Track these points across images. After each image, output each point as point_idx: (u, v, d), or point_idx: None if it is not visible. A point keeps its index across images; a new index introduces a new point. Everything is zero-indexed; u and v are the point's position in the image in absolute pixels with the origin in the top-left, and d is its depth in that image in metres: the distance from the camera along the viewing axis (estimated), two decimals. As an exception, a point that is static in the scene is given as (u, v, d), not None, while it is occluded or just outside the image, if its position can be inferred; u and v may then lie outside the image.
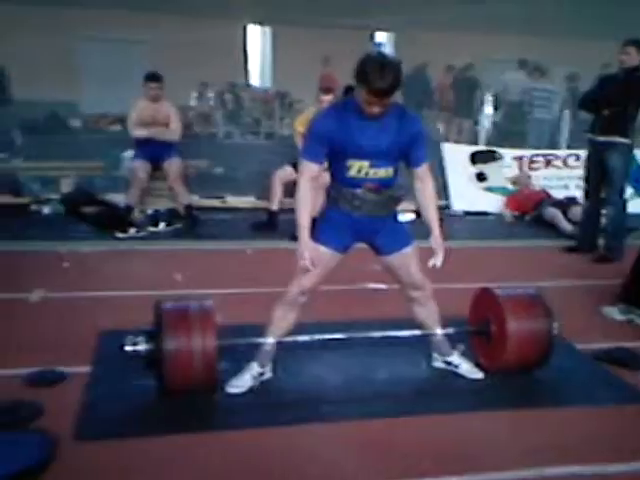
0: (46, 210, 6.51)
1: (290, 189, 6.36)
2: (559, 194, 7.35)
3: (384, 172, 3.01)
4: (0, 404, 2.86)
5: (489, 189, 7.56)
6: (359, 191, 3.01)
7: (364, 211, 3.05)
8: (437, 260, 3.10)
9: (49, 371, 3.21)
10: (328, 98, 6.15)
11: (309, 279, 3.05)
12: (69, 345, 3.53)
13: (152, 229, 6.08)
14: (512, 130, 10.67)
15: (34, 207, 6.58)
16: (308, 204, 2.99)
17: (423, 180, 3.12)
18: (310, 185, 2.99)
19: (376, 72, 2.76)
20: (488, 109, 9.23)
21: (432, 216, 3.14)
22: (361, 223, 3.09)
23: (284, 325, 3.13)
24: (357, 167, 2.97)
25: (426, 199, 3.15)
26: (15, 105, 12.39)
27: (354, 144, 2.92)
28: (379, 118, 2.90)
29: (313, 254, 2.98)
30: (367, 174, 2.99)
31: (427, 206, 3.15)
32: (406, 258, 3.18)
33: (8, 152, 9.40)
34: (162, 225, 6.16)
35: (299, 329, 3.20)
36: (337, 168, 3.01)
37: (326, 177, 3.12)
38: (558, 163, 7.73)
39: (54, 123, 13.59)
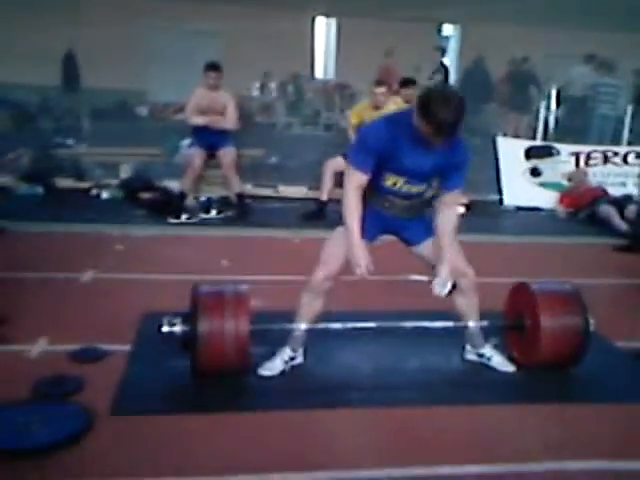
0: (105, 194, 6.77)
1: (340, 180, 6.45)
2: (616, 192, 7.19)
3: (417, 188, 3.07)
4: (46, 377, 3.02)
5: (543, 184, 7.45)
6: (391, 197, 3.09)
7: (394, 212, 3.14)
8: (442, 289, 3.08)
9: (92, 348, 3.37)
10: (381, 90, 6.19)
11: (332, 266, 3.12)
12: (113, 324, 3.68)
13: (204, 216, 6.25)
14: (574, 126, 10.44)
15: (94, 191, 6.84)
16: (357, 212, 3.02)
17: (449, 206, 3.12)
18: (358, 193, 3.01)
19: (444, 118, 2.72)
20: (549, 104, 9.02)
21: (446, 243, 3.11)
22: (390, 219, 3.17)
23: (311, 311, 3.20)
24: (393, 181, 3.03)
25: (446, 225, 3.11)
26: (86, 93, 12.82)
27: (397, 162, 2.96)
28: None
29: (367, 260, 3.02)
30: (401, 188, 3.05)
31: (444, 232, 3.11)
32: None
33: (75, 138, 9.76)
34: (213, 212, 6.31)
35: (334, 317, 3.27)
36: (374, 175, 3.02)
37: None
38: (617, 160, 7.55)
39: (122, 111, 13.99)
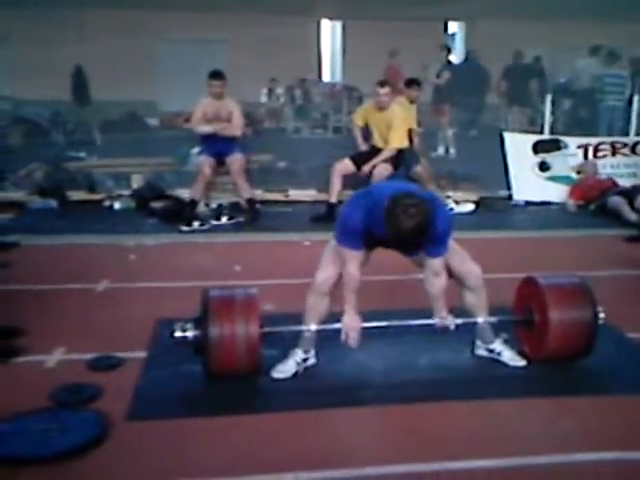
0: (117, 205, 6.86)
1: (348, 182, 6.51)
2: (627, 182, 7.18)
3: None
4: (64, 386, 3.09)
5: (552, 178, 7.45)
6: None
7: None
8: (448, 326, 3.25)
9: (108, 356, 3.43)
10: (384, 91, 6.24)
11: (330, 271, 3.21)
12: (128, 332, 3.75)
13: (215, 222, 6.32)
14: (581, 118, 10.43)
15: (107, 202, 6.93)
16: (355, 286, 3.15)
17: (438, 274, 3.16)
18: (358, 267, 3.13)
19: (403, 236, 2.80)
20: (555, 97, 9.00)
21: (439, 306, 3.24)
22: None
23: (318, 312, 3.25)
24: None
25: (436, 292, 3.21)
26: (96, 106, 12.97)
27: (378, 245, 3.16)
28: None
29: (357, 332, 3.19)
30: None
31: (435, 298, 3.23)
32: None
33: (87, 151, 9.87)
34: (224, 218, 6.39)
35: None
36: None
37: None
38: (626, 151, 7.53)
39: (132, 122, 14.10)
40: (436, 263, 3.13)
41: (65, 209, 6.74)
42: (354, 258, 3.11)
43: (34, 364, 3.38)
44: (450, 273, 3.28)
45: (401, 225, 2.74)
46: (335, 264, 3.21)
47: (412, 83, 7.05)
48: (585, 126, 10.02)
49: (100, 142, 11.59)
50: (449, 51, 11.94)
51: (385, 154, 6.26)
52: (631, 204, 6.48)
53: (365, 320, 3.25)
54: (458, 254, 3.30)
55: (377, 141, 6.44)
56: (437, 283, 3.18)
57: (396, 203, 2.77)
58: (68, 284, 4.57)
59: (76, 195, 7.03)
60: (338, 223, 3.19)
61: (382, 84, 6.30)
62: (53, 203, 6.84)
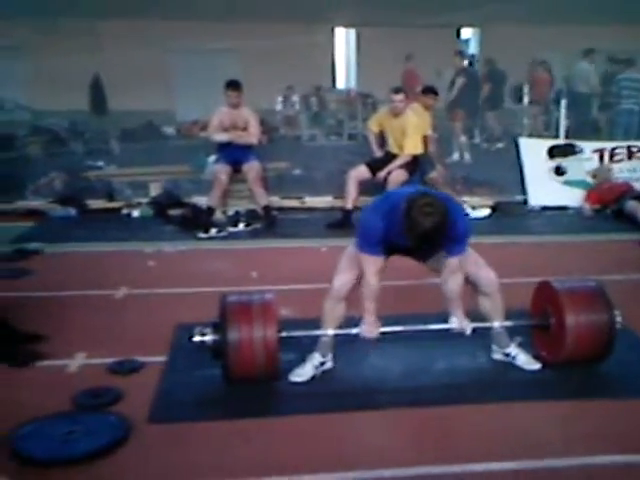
0: (135, 213, 6.94)
1: (364, 188, 6.55)
2: (643, 187, 7.18)
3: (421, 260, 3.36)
4: (85, 390, 3.15)
5: (568, 183, 7.43)
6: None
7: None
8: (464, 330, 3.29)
9: (129, 361, 3.49)
10: (399, 97, 6.28)
11: (347, 276, 3.26)
12: (148, 337, 3.82)
13: (232, 229, 6.38)
14: (594, 122, 10.41)
15: (125, 211, 7.01)
16: (375, 294, 3.19)
17: (454, 273, 3.20)
18: (378, 275, 3.16)
19: (418, 235, 2.85)
20: (569, 102, 8.98)
21: (455, 306, 3.28)
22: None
23: (335, 316, 3.29)
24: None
25: (452, 291, 3.25)
26: (114, 115, 13.10)
27: (397, 249, 3.19)
28: None
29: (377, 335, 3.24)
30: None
31: (451, 297, 3.27)
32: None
33: (105, 160, 9.99)
34: (241, 225, 6.45)
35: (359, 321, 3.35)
36: None
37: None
38: (642, 154, 7.52)
39: (149, 131, 14.21)
40: (454, 262, 3.17)
41: (84, 217, 6.83)
42: (374, 264, 3.14)
43: (56, 369, 3.45)
44: (466, 279, 3.30)
45: (419, 224, 2.79)
46: (352, 270, 3.25)
47: (429, 91, 7.07)
48: (599, 130, 9.99)
49: (118, 151, 11.70)
50: (463, 57, 11.96)
51: (400, 160, 6.30)
52: (648, 208, 6.47)
53: (384, 324, 3.28)
54: (473, 260, 3.33)
55: (392, 147, 6.47)
56: (455, 282, 3.22)
57: (413, 203, 2.83)
58: (88, 290, 4.64)
59: (95, 203, 7.12)
60: (358, 229, 3.23)
61: (397, 91, 6.33)
62: (72, 211, 6.94)
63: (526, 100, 13.17)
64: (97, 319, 4.13)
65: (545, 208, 7.26)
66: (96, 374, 3.37)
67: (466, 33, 18.04)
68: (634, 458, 2.69)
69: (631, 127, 10.19)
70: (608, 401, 3.17)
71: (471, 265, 3.30)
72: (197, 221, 6.36)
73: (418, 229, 2.81)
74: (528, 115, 13.25)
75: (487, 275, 3.34)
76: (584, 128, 9.67)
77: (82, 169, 8.59)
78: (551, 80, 13.16)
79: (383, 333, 3.26)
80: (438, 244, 2.98)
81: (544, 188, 7.40)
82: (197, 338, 3.14)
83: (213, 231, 6.24)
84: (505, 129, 12.80)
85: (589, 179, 7.41)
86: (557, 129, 8.29)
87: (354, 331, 3.25)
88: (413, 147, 6.27)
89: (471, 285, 3.36)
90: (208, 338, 3.13)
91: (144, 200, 7.14)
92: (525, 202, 7.32)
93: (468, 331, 3.27)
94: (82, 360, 3.53)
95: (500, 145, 12.05)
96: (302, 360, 3.39)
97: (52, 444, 2.67)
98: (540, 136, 9.10)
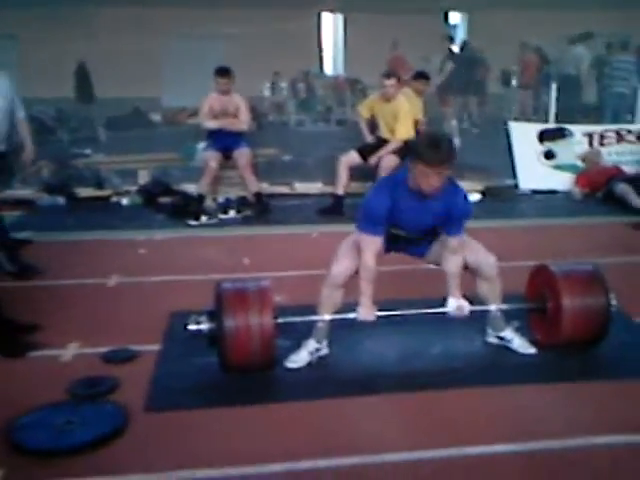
0: (125, 201, 6.88)
1: (355, 173, 6.53)
2: (632, 170, 7.19)
3: (420, 235, 3.34)
4: (81, 379, 3.13)
5: (558, 167, 7.45)
6: (397, 238, 3.32)
7: (402, 243, 3.40)
8: (460, 313, 3.29)
9: (123, 350, 3.47)
10: (391, 82, 6.25)
11: (346, 263, 3.24)
12: (142, 325, 3.80)
13: (222, 216, 6.34)
14: (585, 105, 10.44)
15: (114, 199, 6.95)
16: (372, 276, 3.19)
17: (455, 252, 3.24)
18: (375, 257, 3.17)
19: (431, 144, 2.93)
20: (560, 85, 8.97)
21: (453, 284, 3.28)
22: (399, 244, 3.41)
23: (332, 303, 3.28)
24: (395, 232, 3.26)
25: (452, 269, 3.27)
26: (100, 103, 12.98)
27: (397, 221, 3.18)
28: (427, 198, 3.06)
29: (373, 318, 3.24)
30: (404, 237, 3.31)
31: (451, 276, 3.28)
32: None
33: (92, 148, 9.90)
34: (232, 212, 6.41)
35: (357, 307, 3.34)
36: None
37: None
38: (631, 138, 7.52)
39: (136, 118, 14.10)
40: (454, 242, 3.21)
41: (73, 206, 6.77)
42: (372, 244, 3.15)
43: (50, 358, 3.42)
44: (465, 266, 3.31)
45: (429, 136, 2.96)
46: (351, 258, 3.24)
47: (420, 77, 7.04)
48: (589, 113, 10.01)
49: (105, 139, 11.61)
50: (452, 41, 11.94)
51: (392, 145, 6.27)
52: (638, 191, 6.49)
53: (379, 309, 3.27)
54: (472, 246, 3.34)
55: (383, 132, 6.45)
56: (454, 261, 3.24)
57: (420, 135, 3.00)
58: (80, 279, 4.61)
59: (84, 192, 7.05)
60: (361, 208, 3.23)
61: (388, 75, 6.30)
62: (61, 200, 6.87)
63: (514, 84, 13.26)
64: (90, 308, 4.10)
65: (535, 192, 7.28)
66: (90, 363, 3.35)
67: (454, 18, 17.99)
68: (634, 438, 2.71)
69: (620, 110, 10.23)
70: (605, 383, 3.19)
71: (470, 251, 3.31)
72: (187, 209, 6.31)
73: (429, 138, 3.00)
74: (516, 99, 13.33)
75: (487, 259, 3.34)
76: (574, 112, 9.67)
77: (69, 157, 8.50)
78: (540, 64, 13.20)
79: (380, 317, 3.25)
80: (450, 156, 2.96)
81: (534, 172, 7.42)
82: (192, 326, 3.12)
83: (204, 218, 6.20)
84: (493, 113, 12.84)
85: (579, 163, 7.42)
86: (547, 113, 8.27)
87: (351, 315, 3.25)
88: (405, 132, 6.24)
89: (470, 270, 3.36)
90: (204, 326, 3.12)
91: (133, 188, 7.08)
92: (515, 186, 7.34)
93: (466, 311, 3.26)
94: (76, 350, 3.51)
95: (476, 131, 12.06)
96: (297, 347, 3.38)
97: (50, 434, 2.65)
98: (529, 120, 9.07)
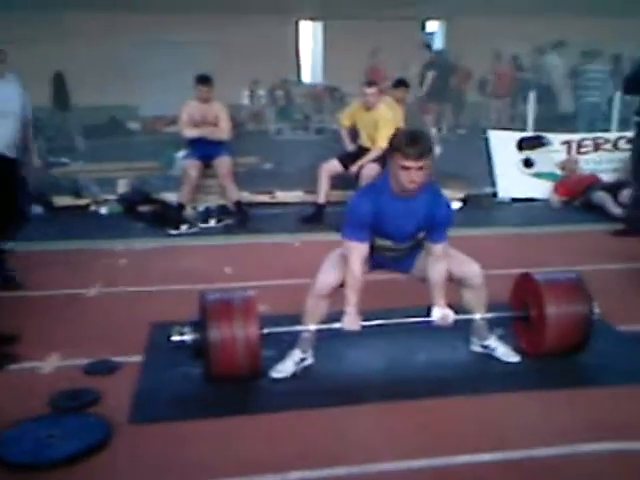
0: (104, 210, 6.82)
1: (336, 182, 6.52)
2: (610, 178, 7.28)
3: (405, 246, 3.30)
4: (62, 392, 3.08)
5: (537, 175, 7.51)
6: (381, 251, 3.32)
7: (386, 258, 3.39)
8: (445, 322, 3.27)
9: (104, 361, 3.42)
10: (372, 91, 6.26)
11: (330, 278, 3.23)
12: (123, 337, 3.74)
13: (203, 225, 6.31)
14: (558, 114, 10.57)
15: (93, 208, 6.89)
16: (358, 285, 3.19)
17: (439, 259, 3.24)
18: (361, 265, 3.17)
19: (409, 138, 2.96)
20: (539, 94, 9.06)
21: (438, 293, 3.27)
22: (383, 260, 3.41)
23: (317, 314, 3.26)
24: (380, 243, 3.26)
25: (437, 277, 3.26)
26: (77, 111, 12.85)
27: (382, 229, 3.17)
28: (411, 200, 3.09)
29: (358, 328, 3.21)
30: (389, 247, 3.29)
31: (435, 284, 3.27)
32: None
33: (69, 156, 9.81)
34: (213, 221, 6.38)
35: (342, 317, 3.32)
36: None
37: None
38: (608, 146, 7.61)
39: (114, 127, 14.01)
40: (438, 249, 3.22)
41: (51, 215, 6.69)
42: (358, 250, 3.14)
43: (30, 371, 3.37)
44: (450, 277, 3.31)
45: (406, 139, 2.95)
46: (337, 269, 3.23)
47: (400, 84, 7.06)
48: (564, 122, 10.13)
49: (82, 147, 11.51)
50: (431, 49, 12.02)
51: (373, 154, 6.28)
52: (615, 199, 6.56)
53: (363, 319, 3.26)
54: (456, 256, 3.35)
55: (364, 141, 6.46)
56: (439, 268, 3.24)
57: (398, 133, 3.09)
58: (59, 290, 4.55)
59: (62, 201, 6.98)
60: (345, 215, 3.23)
61: (369, 84, 6.32)
62: (39, 209, 6.78)
63: (490, 93, 13.38)
64: (69, 319, 4.05)
65: (515, 200, 7.33)
66: (72, 376, 3.29)
67: (432, 26, 18.11)
68: (619, 445, 2.71)
69: (595, 119, 10.36)
70: (589, 390, 3.20)
71: (455, 262, 3.31)
72: (167, 217, 6.27)
73: (407, 133, 3.05)
74: (492, 108, 13.46)
75: (472, 268, 3.34)
76: (550, 121, 9.77)
77: (46, 166, 8.39)
78: (514, 74, 13.35)
79: (365, 326, 3.24)
80: (428, 148, 2.98)
81: (513, 180, 7.47)
82: (176, 337, 3.08)
83: (184, 227, 6.16)
84: (471, 122, 12.93)
85: (558, 171, 7.49)
86: (525, 121, 8.34)
87: (336, 325, 3.23)
88: (386, 140, 6.22)
89: (456, 281, 3.36)
90: (187, 337, 3.08)
91: (112, 197, 7.02)
92: (495, 194, 7.38)
93: (450, 320, 3.26)
94: (56, 362, 3.45)
95: (454, 138, 12.14)
96: (282, 357, 3.35)
97: (32, 448, 2.59)
98: (504, 128, 9.13)
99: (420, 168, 2.96)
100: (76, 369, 3.35)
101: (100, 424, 2.80)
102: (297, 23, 17.76)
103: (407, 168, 2.95)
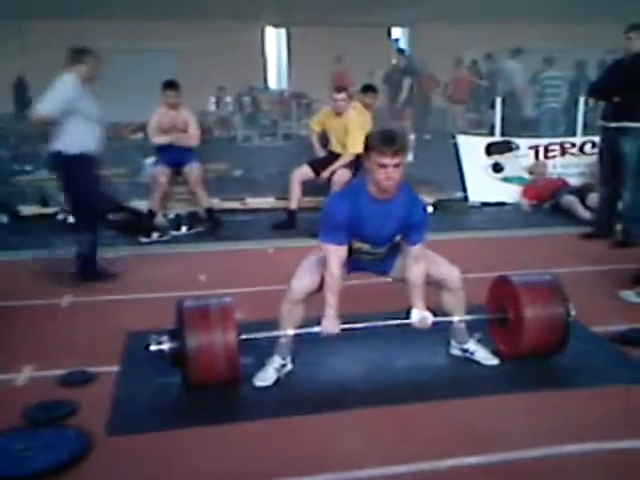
0: (71, 219, 6.67)
1: (308, 188, 6.51)
2: (576, 181, 7.39)
3: (382, 249, 3.31)
4: (37, 404, 3.00)
5: (506, 179, 7.60)
6: (359, 254, 3.33)
7: (364, 261, 3.39)
8: (423, 324, 3.28)
9: (80, 372, 3.36)
10: (341, 96, 6.27)
11: (306, 281, 3.22)
12: (99, 347, 3.68)
13: (175, 233, 6.25)
14: (522, 120, 10.75)
15: (60, 216, 6.75)
16: (337, 287, 3.19)
17: (417, 260, 3.26)
18: (340, 267, 3.17)
19: (384, 135, 2.99)
20: (505, 99, 9.18)
21: (417, 295, 3.28)
22: (361, 263, 3.42)
23: (293, 318, 3.24)
24: (358, 245, 3.26)
25: (415, 279, 3.28)
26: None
27: (360, 232, 3.17)
28: (388, 203, 3.09)
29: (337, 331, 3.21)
30: (367, 251, 3.30)
31: (414, 285, 3.28)
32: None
33: (33, 164, 9.63)
34: (184, 229, 6.32)
35: (319, 321, 3.30)
36: None
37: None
38: (574, 150, 7.73)
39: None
40: (416, 250, 3.23)
41: (17, 224, 6.56)
42: (336, 253, 3.14)
43: (3, 383, 3.30)
44: (428, 280, 3.32)
45: (382, 136, 2.98)
46: (312, 274, 3.22)
47: (367, 90, 7.08)
48: (527, 128, 10.31)
49: (47, 155, 11.29)
50: (403, 55, 12.12)
51: (344, 159, 6.29)
52: (583, 202, 6.66)
53: (343, 323, 3.25)
54: (434, 259, 3.36)
55: (335, 146, 6.46)
56: (417, 270, 3.25)
57: (374, 132, 3.13)
58: (31, 300, 4.46)
59: (27, 209, 6.85)
60: (322, 217, 3.22)
61: (338, 89, 6.33)
62: (4, 218, 6.65)
63: (449, 98, 13.57)
64: (43, 329, 3.96)
65: (485, 204, 7.41)
66: (46, 387, 3.22)
67: (396, 33, 18.25)
68: (598, 446, 2.73)
69: (556, 123, 10.57)
70: (566, 391, 3.23)
71: (434, 264, 3.32)
72: (138, 225, 6.18)
73: (382, 131, 3.05)
74: (453, 113, 13.63)
75: (451, 272, 3.35)
76: (516, 125, 9.91)
77: (10, 174, 8.25)
78: (472, 79, 13.55)
79: (344, 329, 3.22)
80: (403, 146, 3.00)
81: (483, 185, 7.54)
82: (154, 347, 3.03)
83: (155, 235, 6.09)
84: (437, 127, 13.04)
85: (526, 175, 7.59)
86: (492, 127, 8.43)
87: (314, 329, 3.21)
88: (356, 145, 6.25)
89: (434, 284, 3.37)
90: (165, 346, 3.03)
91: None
92: (465, 199, 7.44)
93: (429, 322, 3.26)
94: (30, 373, 3.37)
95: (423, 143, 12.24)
96: (260, 363, 3.32)
97: (9, 461, 2.53)
98: (466, 133, 9.23)
99: (396, 165, 2.97)
100: (51, 380, 3.28)
101: (78, 436, 2.74)
102: (263, 30, 17.76)
103: (384, 165, 2.96)
